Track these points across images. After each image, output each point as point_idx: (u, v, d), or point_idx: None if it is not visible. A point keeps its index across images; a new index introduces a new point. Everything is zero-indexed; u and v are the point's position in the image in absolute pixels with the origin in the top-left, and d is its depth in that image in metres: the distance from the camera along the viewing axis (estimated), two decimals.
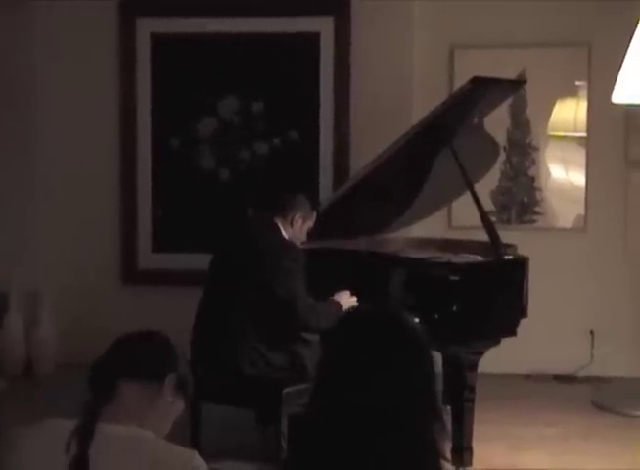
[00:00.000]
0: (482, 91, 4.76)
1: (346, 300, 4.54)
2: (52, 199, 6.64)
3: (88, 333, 6.23)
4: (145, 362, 2.25)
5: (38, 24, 6.57)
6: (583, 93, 6.49)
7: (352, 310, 2.21)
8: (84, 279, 6.66)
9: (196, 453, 2.17)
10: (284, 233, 4.58)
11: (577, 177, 6.55)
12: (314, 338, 4.47)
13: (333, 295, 4.56)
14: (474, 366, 4.44)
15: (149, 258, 6.69)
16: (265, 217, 4.65)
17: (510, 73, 6.17)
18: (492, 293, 4.53)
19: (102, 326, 5.98)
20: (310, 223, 4.69)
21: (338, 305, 4.49)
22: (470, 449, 4.48)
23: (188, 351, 4.29)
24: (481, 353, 4.47)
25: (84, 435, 2.10)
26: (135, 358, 2.25)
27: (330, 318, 4.29)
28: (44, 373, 6.46)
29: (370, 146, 5.42)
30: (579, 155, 6.54)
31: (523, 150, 6.56)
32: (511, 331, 4.56)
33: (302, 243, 4.69)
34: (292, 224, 4.60)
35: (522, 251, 4.88)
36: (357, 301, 4.56)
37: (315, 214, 4.72)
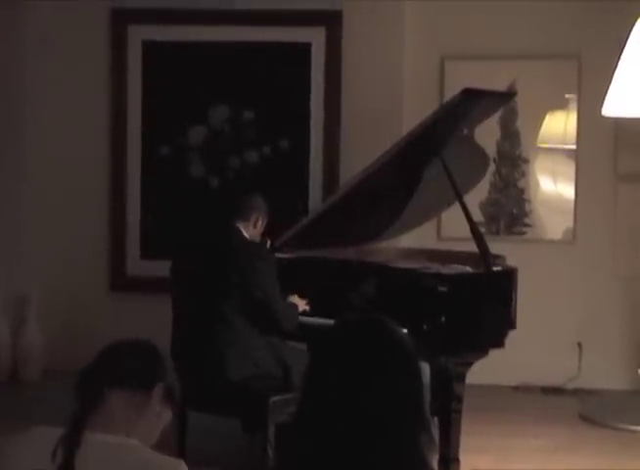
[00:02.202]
0: (473, 102, 4.76)
1: (299, 303, 4.64)
2: (41, 204, 6.62)
3: (75, 339, 6.22)
4: (133, 372, 2.24)
5: (29, 33, 6.56)
6: (573, 105, 6.52)
7: (341, 320, 2.20)
8: (72, 285, 6.64)
9: (182, 462, 2.17)
10: (246, 235, 4.60)
11: (566, 189, 6.57)
12: (302, 347, 4.47)
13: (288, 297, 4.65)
14: (462, 377, 4.43)
15: (137, 265, 6.68)
16: (227, 222, 4.65)
17: (500, 85, 6.18)
18: (481, 304, 4.52)
19: (89, 332, 5.97)
20: (266, 222, 4.72)
21: (297, 307, 4.61)
22: (457, 461, 4.46)
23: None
24: (470, 364, 4.46)
25: (70, 443, 2.09)
26: (124, 367, 2.24)
27: (293, 321, 4.48)
28: (30, 378, 6.43)
29: (360, 156, 5.42)
30: (569, 167, 6.55)
31: (512, 162, 6.57)
32: (499, 342, 4.56)
33: (270, 246, 4.79)
34: (255, 225, 4.63)
35: (510, 262, 4.87)
36: (307, 303, 4.65)
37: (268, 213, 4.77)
